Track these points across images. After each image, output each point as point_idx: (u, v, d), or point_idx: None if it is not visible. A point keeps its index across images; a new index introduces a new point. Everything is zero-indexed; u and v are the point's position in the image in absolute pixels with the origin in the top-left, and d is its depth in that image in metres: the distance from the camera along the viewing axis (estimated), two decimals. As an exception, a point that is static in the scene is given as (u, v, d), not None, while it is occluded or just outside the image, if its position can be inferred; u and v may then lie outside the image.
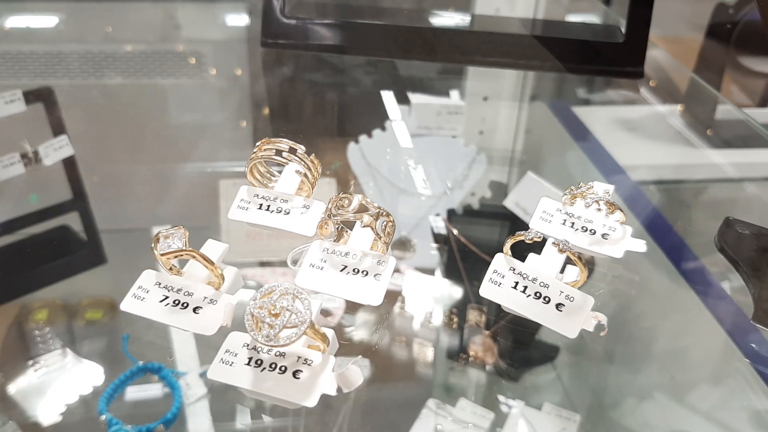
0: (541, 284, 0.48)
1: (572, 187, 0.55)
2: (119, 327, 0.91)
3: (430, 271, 0.88)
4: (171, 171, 1.10)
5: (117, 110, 1.22)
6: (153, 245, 0.48)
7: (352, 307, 0.80)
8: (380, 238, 0.46)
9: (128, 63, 1.29)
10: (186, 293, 0.47)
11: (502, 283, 0.49)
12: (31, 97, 0.88)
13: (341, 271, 0.46)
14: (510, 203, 0.80)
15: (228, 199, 0.99)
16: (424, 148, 0.96)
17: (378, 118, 0.99)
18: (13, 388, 0.79)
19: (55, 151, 0.89)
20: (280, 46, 0.87)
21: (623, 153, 0.96)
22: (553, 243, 0.48)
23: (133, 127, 1.18)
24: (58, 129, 0.91)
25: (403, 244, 0.95)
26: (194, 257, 0.47)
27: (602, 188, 0.55)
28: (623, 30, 0.85)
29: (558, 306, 0.47)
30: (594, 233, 0.53)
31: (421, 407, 0.79)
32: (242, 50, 1.40)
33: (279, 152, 0.51)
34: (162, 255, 0.46)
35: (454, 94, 0.99)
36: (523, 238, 0.49)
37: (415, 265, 0.87)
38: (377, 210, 0.47)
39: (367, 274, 0.46)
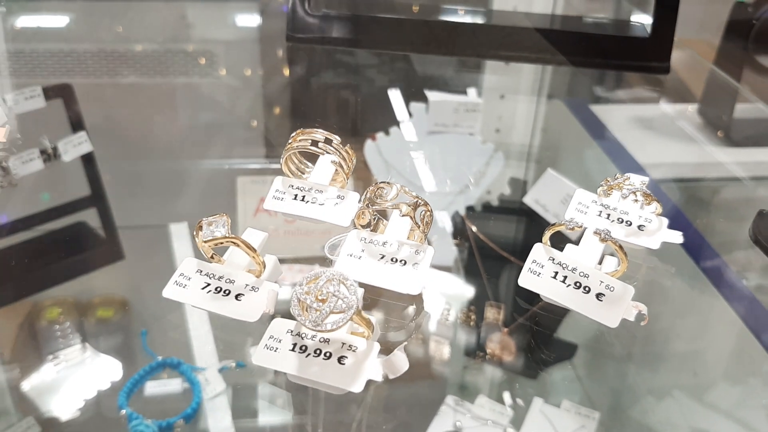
0: (581, 274, 0.48)
1: (608, 179, 0.55)
2: (134, 323, 0.92)
3: (449, 269, 0.88)
4: (187, 168, 1.10)
5: (132, 108, 1.23)
6: (195, 233, 0.48)
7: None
8: (419, 227, 0.46)
9: (141, 62, 1.29)
10: (228, 280, 0.48)
11: (542, 273, 0.48)
12: (50, 93, 0.88)
13: (379, 260, 0.46)
14: (529, 200, 0.80)
15: (245, 195, 0.99)
16: (442, 146, 0.96)
17: (395, 115, 0.99)
18: (29, 385, 0.79)
19: (74, 147, 0.89)
20: (304, 41, 0.87)
21: (642, 151, 0.96)
22: (595, 232, 0.48)
23: (149, 125, 1.19)
24: (77, 125, 0.92)
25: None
26: (237, 245, 0.47)
27: (639, 179, 0.54)
28: (647, 26, 0.85)
29: (598, 296, 0.47)
30: (630, 224, 0.52)
31: (440, 404, 0.79)
32: (255, 49, 1.41)
33: (314, 143, 0.51)
34: (205, 242, 0.47)
35: (471, 91, 0.99)
36: (564, 228, 0.49)
37: (433, 263, 0.86)
38: (415, 199, 0.47)
39: (405, 263, 0.46)
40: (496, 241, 0.83)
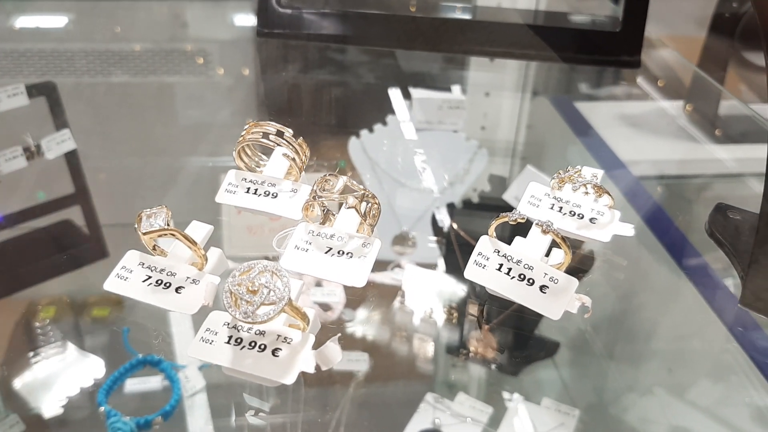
0: (526, 266, 0.48)
1: (560, 171, 0.55)
2: (123, 323, 0.92)
3: (431, 266, 0.88)
4: (172, 165, 1.10)
5: (123, 108, 1.23)
6: (136, 225, 0.48)
7: (351, 302, 0.80)
8: (365, 220, 0.46)
9: (135, 61, 1.29)
10: (169, 273, 0.48)
11: (487, 265, 0.49)
12: (33, 91, 0.88)
13: (326, 253, 0.46)
14: (509, 197, 0.80)
15: (229, 193, 0.99)
16: (426, 143, 0.96)
17: (379, 112, 0.99)
18: (15, 381, 0.79)
19: (57, 144, 0.89)
20: (275, 36, 0.87)
21: (625, 148, 0.96)
22: (537, 224, 0.48)
23: (138, 124, 1.19)
24: (60, 123, 0.92)
25: (402, 239, 0.95)
26: (175, 236, 0.47)
27: (590, 172, 0.54)
28: (617, 19, 0.85)
29: (542, 288, 0.47)
30: (582, 217, 0.52)
31: (420, 401, 0.79)
32: (249, 48, 1.41)
33: (266, 135, 0.51)
34: (144, 234, 0.47)
35: (456, 88, 0.99)
36: (507, 220, 0.49)
37: (415, 260, 0.86)
38: (362, 192, 0.46)
39: (352, 256, 0.46)
40: (477, 238, 0.83)
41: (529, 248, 0.49)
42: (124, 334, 0.84)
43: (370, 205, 0.46)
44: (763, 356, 0.70)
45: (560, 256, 0.49)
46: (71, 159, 0.93)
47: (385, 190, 0.95)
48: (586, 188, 0.52)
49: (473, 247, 0.84)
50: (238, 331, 0.44)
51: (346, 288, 0.49)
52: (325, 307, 0.88)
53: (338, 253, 0.47)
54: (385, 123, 0.98)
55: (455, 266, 0.86)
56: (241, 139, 0.50)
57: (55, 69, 1.23)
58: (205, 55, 1.34)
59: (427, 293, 0.85)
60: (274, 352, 0.44)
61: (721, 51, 1.02)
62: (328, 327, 0.52)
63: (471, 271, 0.49)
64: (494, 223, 0.50)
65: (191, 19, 1.45)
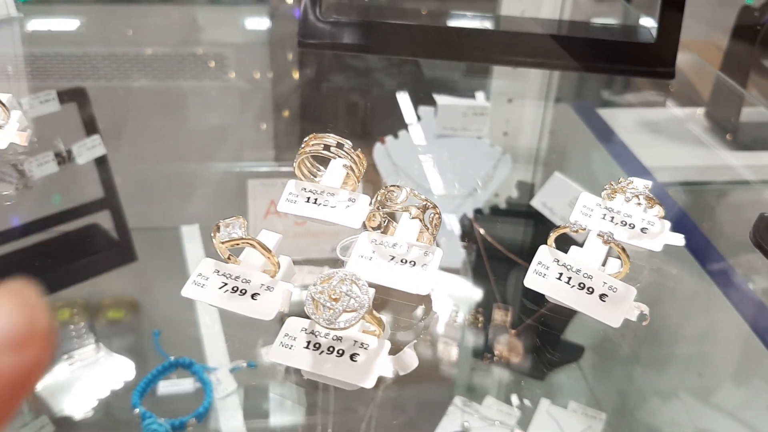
0: (585, 275, 0.49)
1: (612, 182, 0.56)
2: (147, 323, 0.93)
3: (457, 271, 0.89)
4: (199, 171, 1.11)
5: (143, 111, 1.24)
6: (213, 234, 0.49)
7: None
8: (427, 229, 0.47)
9: (152, 66, 1.30)
10: (244, 280, 0.49)
11: (547, 274, 0.50)
12: (65, 97, 0.90)
13: (389, 261, 0.48)
14: (537, 203, 0.81)
15: (256, 198, 1.00)
16: (450, 149, 0.97)
17: (404, 118, 1.00)
18: (43, 384, 0.80)
19: (87, 150, 0.90)
20: (315, 47, 0.88)
21: (648, 154, 0.96)
22: (598, 234, 0.49)
23: (161, 128, 1.20)
24: (90, 128, 0.93)
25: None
26: (253, 246, 0.48)
27: (642, 183, 0.55)
28: (652, 30, 0.86)
29: (601, 296, 0.48)
30: (633, 227, 0.53)
31: (448, 405, 0.80)
32: (265, 52, 1.42)
33: (326, 147, 0.52)
34: (222, 243, 0.48)
35: (479, 95, 1.00)
36: (568, 230, 0.50)
37: (441, 265, 0.87)
38: (425, 202, 0.48)
39: (414, 264, 0.47)
40: (503, 244, 0.84)
41: (586, 257, 0.50)
42: (155, 336, 0.85)
43: (432, 215, 0.47)
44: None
45: (617, 265, 0.50)
46: (100, 164, 0.95)
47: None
48: (639, 199, 0.53)
49: (499, 251, 0.86)
50: (316, 336, 0.45)
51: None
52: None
53: (401, 261, 0.48)
54: (409, 129, 0.99)
55: (482, 270, 0.87)
56: (301, 150, 0.52)
57: (73, 72, 1.24)
58: (221, 59, 1.35)
59: (454, 297, 0.86)
60: (352, 357, 0.45)
61: (743, 59, 1.03)
62: (402, 331, 0.53)
63: (531, 280, 0.50)
64: (554, 233, 0.51)
65: (208, 23, 1.46)
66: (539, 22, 1.01)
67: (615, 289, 0.48)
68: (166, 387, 0.80)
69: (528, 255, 0.84)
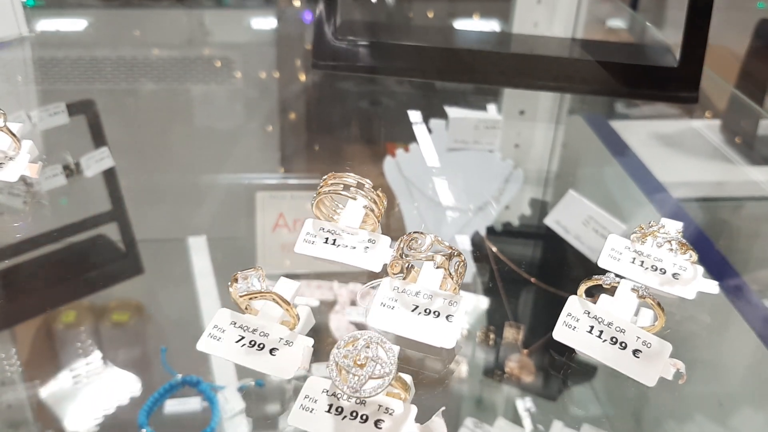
0: (617, 329, 0.47)
1: (642, 226, 0.54)
2: (153, 337, 0.92)
3: (468, 288, 0.87)
4: (206, 181, 1.10)
5: (149, 117, 1.23)
6: (230, 284, 0.48)
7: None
8: (452, 277, 0.46)
9: (159, 68, 1.29)
10: (261, 333, 0.47)
11: (577, 326, 0.47)
12: (73, 109, 0.89)
13: (412, 311, 0.46)
14: (551, 221, 0.80)
15: (264, 210, 0.99)
16: (461, 163, 0.95)
17: (414, 132, 0.99)
18: (48, 398, 0.80)
19: (96, 162, 0.90)
20: (330, 68, 0.87)
21: (662, 168, 0.95)
22: (632, 289, 0.47)
23: (167, 135, 1.19)
24: (99, 141, 0.92)
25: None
26: (274, 300, 0.46)
27: (674, 228, 0.53)
28: (675, 53, 0.83)
29: (635, 352, 0.46)
30: (664, 272, 0.51)
31: (459, 426, 0.79)
32: (271, 54, 1.41)
33: (346, 187, 0.51)
34: (242, 296, 0.46)
35: (491, 108, 0.99)
36: (601, 283, 0.48)
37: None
38: (450, 250, 0.46)
39: (438, 315, 0.46)
40: (516, 262, 0.83)
41: (618, 308, 0.48)
42: (162, 353, 0.84)
43: (457, 263, 0.46)
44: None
45: (650, 317, 0.48)
46: (108, 175, 0.94)
47: (421, 209, 0.95)
48: (671, 244, 0.52)
49: (512, 269, 0.84)
50: (338, 399, 0.43)
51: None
52: (360, 326, 0.88)
53: (425, 311, 0.46)
54: (420, 142, 0.98)
55: (492, 287, 0.86)
56: (320, 190, 0.50)
57: (80, 77, 1.23)
58: (228, 62, 1.34)
59: (465, 314, 0.85)
60: (377, 424, 0.43)
61: (760, 71, 1.01)
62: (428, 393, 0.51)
63: (560, 333, 0.48)
64: (584, 285, 0.49)
65: (213, 27, 1.45)
66: (555, 41, 0.99)
67: (649, 345, 0.46)
68: (173, 406, 0.79)
69: (541, 273, 0.83)
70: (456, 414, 0.81)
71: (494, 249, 0.84)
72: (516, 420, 0.80)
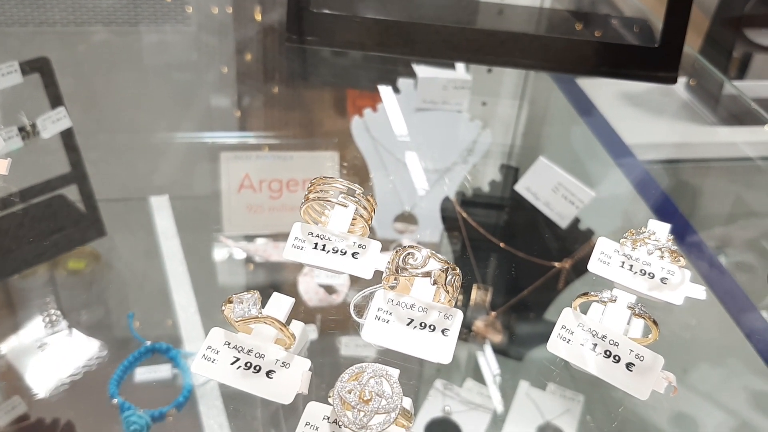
0: (611, 342, 0.47)
1: (632, 231, 0.54)
2: (118, 301, 0.91)
3: (434, 247, 0.88)
4: (167, 139, 1.08)
5: (102, 66, 1.19)
6: (223, 306, 0.46)
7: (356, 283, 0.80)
8: (448, 292, 0.45)
9: (108, 9, 1.24)
10: (257, 355, 0.46)
11: (571, 339, 0.48)
12: (27, 68, 0.85)
13: (407, 324, 0.45)
14: (521, 188, 0.80)
15: (229, 172, 0.97)
16: (429, 123, 0.95)
17: (381, 92, 0.97)
18: (14, 366, 0.79)
19: (52, 123, 0.86)
20: (306, 43, 0.83)
21: (628, 129, 0.95)
22: (629, 307, 0.48)
23: (125, 91, 1.15)
24: (55, 100, 0.89)
25: (405, 219, 0.95)
26: (272, 324, 0.45)
27: (664, 234, 0.54)
28: (655, 32, 0.81)
29: (628, 366, 0.46)
30: (653, 276, 0.52)
31: (429, 387, 0.81)
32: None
33: (335, 193, 0.49)
34: (237, 322, 0.45)
35: (460, 66, 0.97)
36: (597, 300, 0.48)
37: (423, 244, 0.86)
38: (446, 265, 0.46)
39: (434, 329, 0.45)
40: (485, 227, 0.83)
41: (610, 320, 0.48)
42: (130, 320, 0.83)
43: (453, 277, 0.45)
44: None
45: (640, 326, 0.49)
46: (66, 136, 0.91)
47: (389, 170, 0.95)
48: (662, 252, 0.52)
49: (481, 234, 0.85)
50: (340, 427, 0.43)
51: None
52: (330, 289, 0.88)
53: (420, 325, 0.46)
54: (389, 102, 0.96)
55: (462, 251, 0.87)
56: (308, 195, 0.49)
57: (26, 17, 1.17)
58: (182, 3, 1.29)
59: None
60: None
61: (726, 30, 1.01)
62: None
63: (554, 345, 0.48)
64: (579, 300, 0.49)
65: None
66: (529, 11, 0.97)
67: (642, 358, 0.46)
68: (143, 374, 0.79)
69: (510, 238, 0.84)
70: (425, 376, 0.82)
71: (464, 214, 0.84)
72: (484, 381, 0.81)
